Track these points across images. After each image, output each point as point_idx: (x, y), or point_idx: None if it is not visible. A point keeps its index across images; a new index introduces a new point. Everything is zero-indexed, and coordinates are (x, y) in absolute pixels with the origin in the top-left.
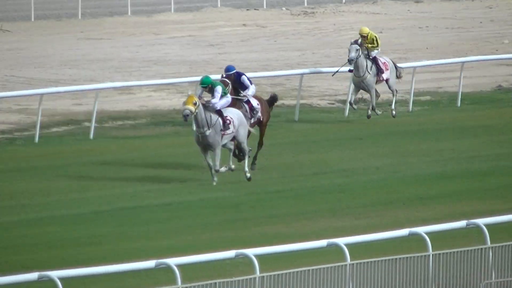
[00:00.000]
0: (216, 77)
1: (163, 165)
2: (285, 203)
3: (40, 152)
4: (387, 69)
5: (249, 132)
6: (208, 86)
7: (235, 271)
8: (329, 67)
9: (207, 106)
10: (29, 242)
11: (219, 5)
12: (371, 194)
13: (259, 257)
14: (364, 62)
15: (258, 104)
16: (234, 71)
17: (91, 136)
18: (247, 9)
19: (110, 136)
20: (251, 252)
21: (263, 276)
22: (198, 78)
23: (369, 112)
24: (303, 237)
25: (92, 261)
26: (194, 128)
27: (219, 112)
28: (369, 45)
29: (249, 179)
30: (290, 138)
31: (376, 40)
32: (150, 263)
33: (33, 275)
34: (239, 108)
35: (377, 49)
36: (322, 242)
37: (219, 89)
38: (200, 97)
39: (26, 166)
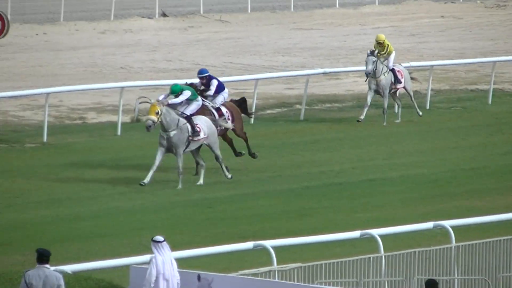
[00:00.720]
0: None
1: (367, 144)
2: (479, 179)
3: (255, 133)
4: (402, 77)
5: (227, 129)
6: (178, 94)
7: (433, 241)
8: None
9: (172, 106)
10: (245, 214)
11: None
12: None
13: (454, 228)
14: (380, 66)
15: (227, 111)
16: (207, 74)
17: (301, 117)
18: (445, 2)
19: (318, 118)
20: (447, 223)
21: (459, 246)
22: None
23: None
24: (494, 210)
25: (302, 232)
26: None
27: (188, 119)
28: (382, 53)
29: (231, 178)
30: (483, 120)
31: (389, 47)
32: (355, 234)
33: (248, 244)
34: (208, 114)
35: (392, 54)
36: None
37: (186, 93)
38: (164, 99)
39: (239, 145)
